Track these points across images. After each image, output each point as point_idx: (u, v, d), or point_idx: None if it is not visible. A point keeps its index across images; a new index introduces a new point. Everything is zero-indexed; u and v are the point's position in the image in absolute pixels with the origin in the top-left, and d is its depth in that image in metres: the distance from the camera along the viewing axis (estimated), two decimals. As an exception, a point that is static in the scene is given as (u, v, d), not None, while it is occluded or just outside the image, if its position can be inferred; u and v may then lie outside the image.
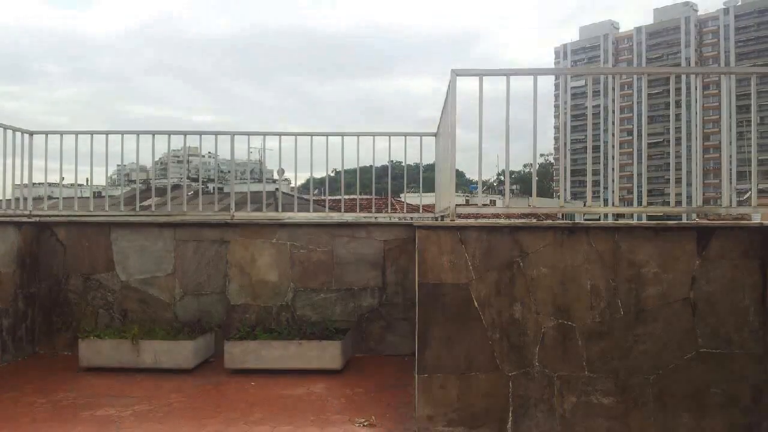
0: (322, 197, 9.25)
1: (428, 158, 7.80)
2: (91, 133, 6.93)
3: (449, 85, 4.37)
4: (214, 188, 16.57)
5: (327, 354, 5.83)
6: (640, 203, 4.54)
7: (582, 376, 3.99)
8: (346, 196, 8.62)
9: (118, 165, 7.99)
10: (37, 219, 6.97)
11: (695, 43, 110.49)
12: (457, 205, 4.55)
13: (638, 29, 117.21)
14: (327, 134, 7.10)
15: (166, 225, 6.86)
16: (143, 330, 6.12)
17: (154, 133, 7.02)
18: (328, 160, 7.05)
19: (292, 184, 11.10)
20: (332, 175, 7.82)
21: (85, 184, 8.58)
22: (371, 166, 7.70)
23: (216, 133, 7.09)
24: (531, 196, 4.88)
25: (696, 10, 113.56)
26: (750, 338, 3.97)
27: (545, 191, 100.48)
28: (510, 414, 4.00)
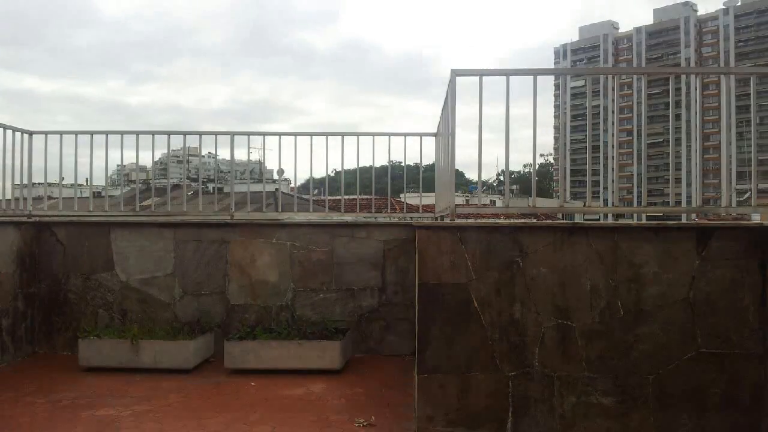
0: (322, 197, 9.26)
1: (428, 158, 7.80)
2: (91, 133, 6.93)
3: (449, 85, 4.36)
4: (213, 188, 16.57)
5: (327, 354, 5.83)
6: (639, 203, 4.55)
7: (581, 376, 3.99)
8: (346, 196, 8.63)
9: (117, 165, 7.99)
10: (37, 219, 6.97)
11: (695, 43, 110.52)
12: (456, 205, 4.56)
13: (638, 29, 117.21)
14: (327, 134, 7.11)
15: (166, 225, 6.86)
16: (143, 330, 6.12)
17: (153, 133, 7.03)
18: (328, 160, 7.06)
19: (292, 184, 11.10)
20: (332, 175, 7.83)
21: (84, 184, 8.58)
22: (371, 166, 7.70)
23: (216, 133, 7.10)
24: (531, 196, 4.88)
25: (696, 10, 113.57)
26: (750, 338, 3.97)
27: (545, 191, 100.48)
28: (510, 414, 4.00)
